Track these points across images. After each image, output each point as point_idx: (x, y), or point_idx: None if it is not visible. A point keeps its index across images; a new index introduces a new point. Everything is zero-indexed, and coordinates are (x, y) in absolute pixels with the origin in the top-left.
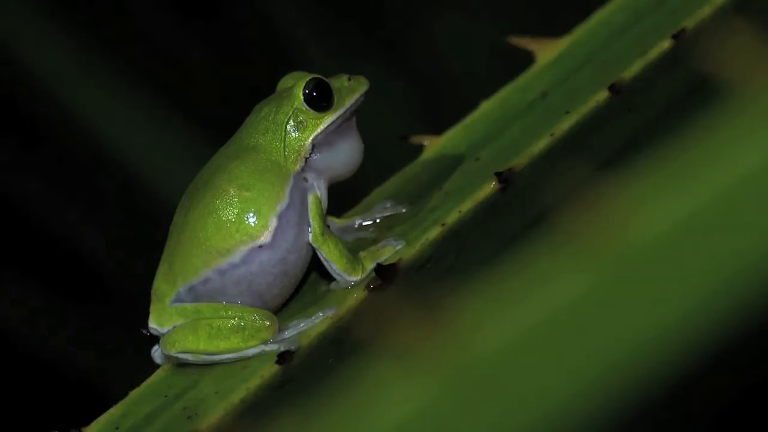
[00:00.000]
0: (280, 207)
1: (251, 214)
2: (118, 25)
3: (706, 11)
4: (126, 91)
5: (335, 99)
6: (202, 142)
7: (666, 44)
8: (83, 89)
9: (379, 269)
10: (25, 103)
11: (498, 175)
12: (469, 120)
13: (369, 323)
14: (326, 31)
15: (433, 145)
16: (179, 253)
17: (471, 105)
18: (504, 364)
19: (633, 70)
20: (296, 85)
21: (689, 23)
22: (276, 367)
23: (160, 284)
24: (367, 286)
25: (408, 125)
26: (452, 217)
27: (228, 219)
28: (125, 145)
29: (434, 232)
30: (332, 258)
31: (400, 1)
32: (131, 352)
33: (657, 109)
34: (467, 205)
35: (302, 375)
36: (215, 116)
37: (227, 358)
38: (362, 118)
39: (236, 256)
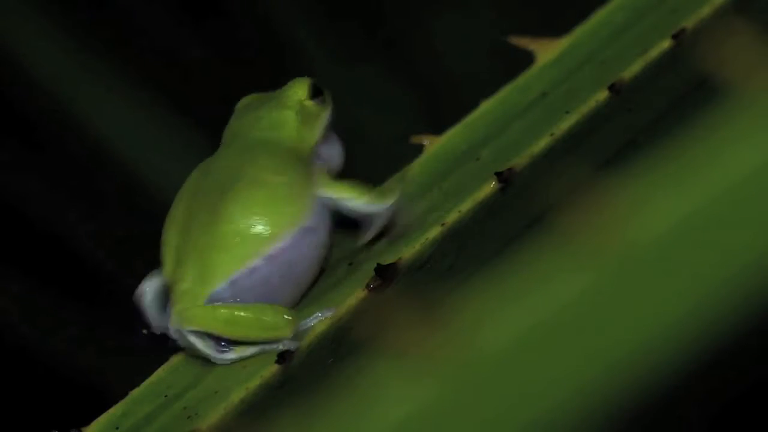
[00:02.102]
0: (312, 190)
1: (294, 198)
2: (118, 25)
3: (706, 11)
4: (126, 91)
5: (325, 95)
6: (201, 142)
7: (666, 44)
8: (83, 89)
9: (379, 269)
10: (25, 103)
11: (498, 174)
12: (469, 120)
13: (369, 323)
14: (326, 31)
15: (433, 145)
16: (215, 248)
17: (471, 105)
18: (504, 364)
19: (633, 70)
20: (295, 83)
21: (689, 23)
22: (276, 367)
23: (189, 286)
24: (367, 286)
25: (408, 125)
26: (452, 217)
27: (274, 205)
28: (125, 145)
29: (434, 232)
30: (354, 195)
31: (400, 1)
32: (131, 352)
33: (657, 109)
34: (467, 205)
35: (302, 375)
36: (215, 116)
37: (246, 352)
38: (362, 118)
39: (286, 240)
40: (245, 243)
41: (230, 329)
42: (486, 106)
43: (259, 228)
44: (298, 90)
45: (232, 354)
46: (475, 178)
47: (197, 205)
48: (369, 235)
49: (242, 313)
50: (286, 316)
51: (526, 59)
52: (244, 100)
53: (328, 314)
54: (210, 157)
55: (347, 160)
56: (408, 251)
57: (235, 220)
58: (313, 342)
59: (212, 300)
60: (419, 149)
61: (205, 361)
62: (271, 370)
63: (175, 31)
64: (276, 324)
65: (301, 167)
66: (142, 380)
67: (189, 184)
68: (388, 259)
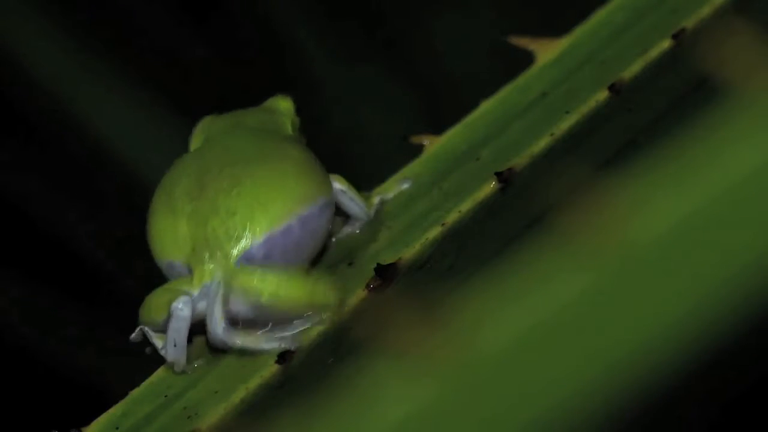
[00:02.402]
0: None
1: (318, 170)
2: (118, 25)
3: (706, 11)
4: (126, 91)
5: None
6: None
7: (666, 44)
8: (83, 89)
9: (379, 269)
10: (25, 103)
11: (498, 174)
12: (469, 120)
13: (369, 323)
14: (326, 31)
15: (433, 145)
16: (249, 206)
17: (471, 105)
18: (504, 364)
19: (633, 70)
20: (279, 99)
21: (689, 23)
22: (276, 367)
23: (221, 243)
24: (367, 286)
25: (408, 125)
26: (452, 217)
27: (305, 171)
28: (125, 145)
29: (434, 232)
30: (353, 192)
31: (400, 1)
32: (131, 352)
33: (657, 109)
34: (467, 205)
35: (302, 375)
36: None
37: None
38: (362, 118)
39: (315, 206)
40: (281, 202)
41: (279, 295)
42: (486, 106)
43: (295, 190)
44: (286, 104)
45: (238, 339)
46: (475, 178)
47: (209, 177)
48: (346, 232)
49: (295, 278)
50: (333, 285)
51: (526, 59)
52: (206, 120)
53: (329, 312)
54: (192, 150)
55: (347, 160)
56: (408, 251)
57: (271, 181)
58: (313, 342)
59: (245, 258)
60: (419, 149)
61: (205, 360)
62: (271, 370)
63: (175, 31)
64: (326, 296)
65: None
66: (142, 380)
67: (182, 168)
68: (388, 259)
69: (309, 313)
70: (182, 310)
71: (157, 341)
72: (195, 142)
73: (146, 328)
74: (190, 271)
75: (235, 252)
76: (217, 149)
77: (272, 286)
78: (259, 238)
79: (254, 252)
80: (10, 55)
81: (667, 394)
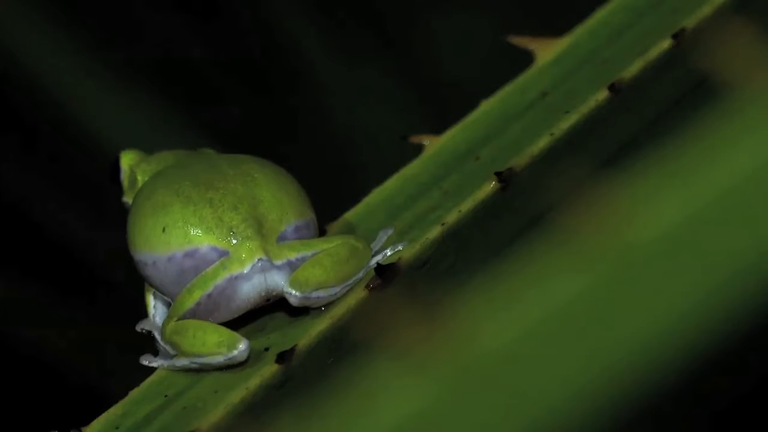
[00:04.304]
0: None
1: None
2: (118, 25)
3: (706, 11)
4: (126, 91)
5: None
6: (201, 142)
7: (666, 44)
8: (83, 89)
9: (379, 269)
10: (25, 103)
11: (498, 174)
12: (469, 120)
13: (369, 323)
14: (326, 31)
15: (433, 145)
16: (272, 195)
17: (471, 105)
18: (503, 364)
19: (633, 70)
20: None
21: (689, 23)
22: (276, 367)
23: (260, 223)
24: (367, 286)
25: (408, 125)
26: (452, 217)
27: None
28: (125, 146)
29: (434, 232)
30: None
31: (400, 1)
32: (131, 352)
33: (657, 109)
34: (467, 205)
35: (302, 375)
36: (215, 116)
37: (347, 285)
38: (362, 118)
39: (314, 214)
40: (303, 200)
41: (335, 270)
42: (486, 106)
43: (303, 192)
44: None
45: (318, 293)
46: (475, 178)
47: (217, 176)
48: None
49: (317, 244)
50: (364, 243)
51: (526, 59)
52: (136, 155)
53: (399, 248)
54: (162, 172)
55: (347, 160)
56: (408, 251)
57: (283, 179)
58: (313, 342)
59: (281, 237)
60: (419, 149)
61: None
62: (271, 370)
63: (175, 31)
64: (365, 252)
65: None
66: (142, 380)
67: (170, 177)
68: (388, 259)
69: (354, 267)
70: (245, 351)
71: (163, 359)
72: (140, 172)
73: (162, 345)
74: (222, 254)
75: (274, 230)
76: (203, 162)
77: (316, 248)
78: (291, 223)
79: (288, 234)
80: (11, 55)
81: (667, 394)
